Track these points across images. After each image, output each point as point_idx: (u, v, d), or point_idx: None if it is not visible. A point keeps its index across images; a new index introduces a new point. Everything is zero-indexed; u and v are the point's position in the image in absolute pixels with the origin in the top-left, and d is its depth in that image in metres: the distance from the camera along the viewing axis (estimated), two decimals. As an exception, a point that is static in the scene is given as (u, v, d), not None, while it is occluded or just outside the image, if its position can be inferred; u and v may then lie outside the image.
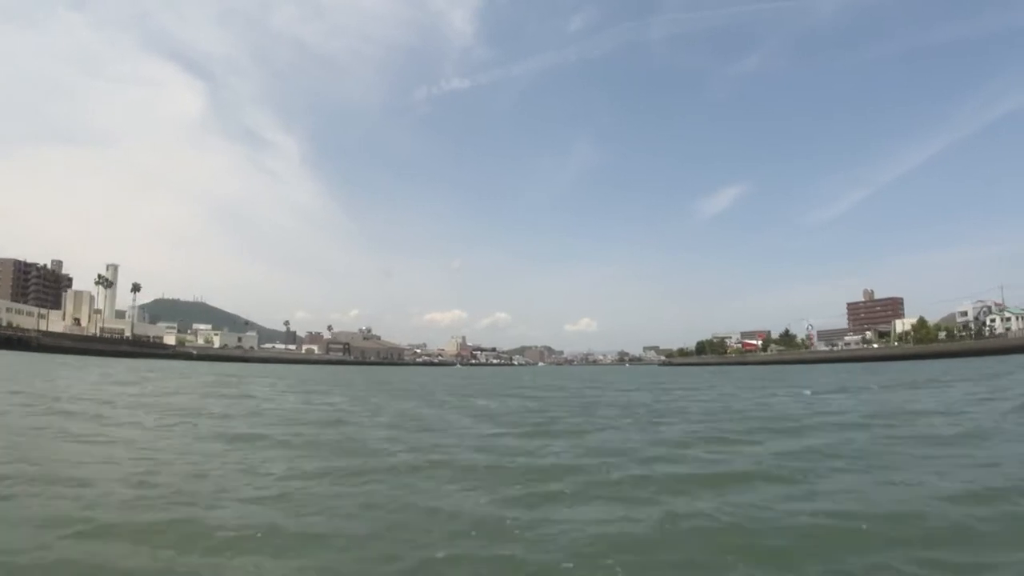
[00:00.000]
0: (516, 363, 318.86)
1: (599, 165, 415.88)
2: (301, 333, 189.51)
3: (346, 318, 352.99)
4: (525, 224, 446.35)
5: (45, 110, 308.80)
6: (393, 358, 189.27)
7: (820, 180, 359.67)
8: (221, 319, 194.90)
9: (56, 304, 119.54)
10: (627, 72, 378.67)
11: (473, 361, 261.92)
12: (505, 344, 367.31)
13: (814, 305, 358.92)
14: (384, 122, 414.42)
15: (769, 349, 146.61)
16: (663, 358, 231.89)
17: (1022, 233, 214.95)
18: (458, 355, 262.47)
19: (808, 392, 21.85)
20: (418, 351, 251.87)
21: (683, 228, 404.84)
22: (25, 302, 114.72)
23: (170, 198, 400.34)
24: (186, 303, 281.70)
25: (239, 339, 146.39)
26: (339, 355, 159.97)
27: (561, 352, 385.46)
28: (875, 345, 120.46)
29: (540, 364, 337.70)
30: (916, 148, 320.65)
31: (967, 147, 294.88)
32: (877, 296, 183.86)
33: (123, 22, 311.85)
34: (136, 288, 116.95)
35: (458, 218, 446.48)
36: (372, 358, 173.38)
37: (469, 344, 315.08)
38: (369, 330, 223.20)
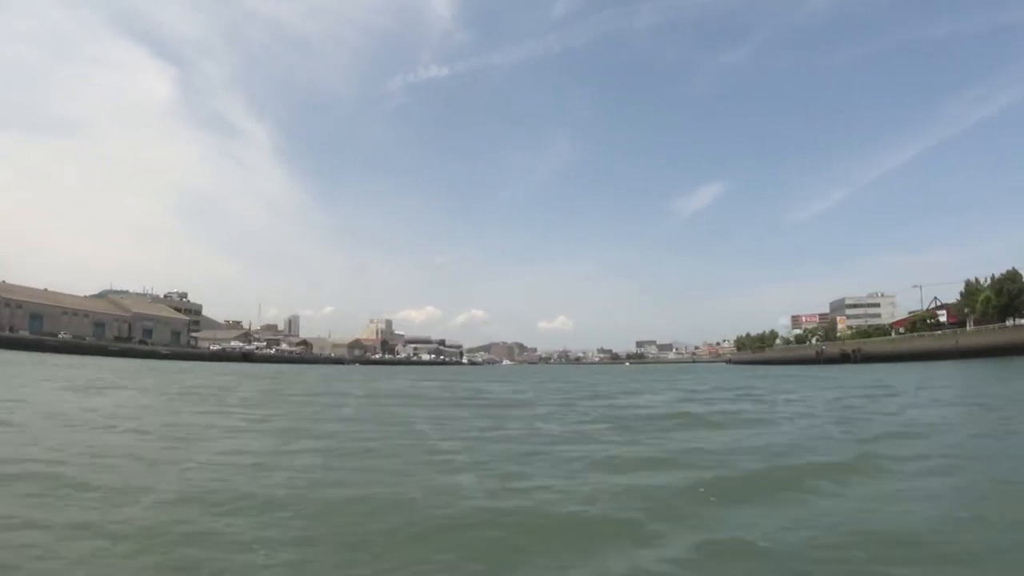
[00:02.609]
0: (467, 362, 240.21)
1: (578, 159, 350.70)
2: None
3: (319, 315, 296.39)
4: (503, 220, 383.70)
5: (10, 97, 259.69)
6: (151, 339, 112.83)
7: (807, 177, 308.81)
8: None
9: None
10: (610, 63, 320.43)
11: (376, 357, 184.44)
12: (479, 342, 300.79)
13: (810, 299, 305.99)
14: (360, 110, 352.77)
15: None
16: (730, 351, 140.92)
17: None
18: (352, 347, 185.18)
19: None
20: (262, 339, 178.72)
21: (664, 225, 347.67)
22: None
23: (136, 188, 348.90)
24: (136, 295, 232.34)
25: None
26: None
27: (534, 349, 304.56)
28: None
29: (506, 362, 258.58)
30: (900, 147, 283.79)
31: (953, 147, 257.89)
32: None
33: (95, 1, 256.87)
34: None
35: (437, 213, 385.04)
36: (91, 338, 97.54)
37: (404, 335, 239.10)
38: (185, 295, 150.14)
